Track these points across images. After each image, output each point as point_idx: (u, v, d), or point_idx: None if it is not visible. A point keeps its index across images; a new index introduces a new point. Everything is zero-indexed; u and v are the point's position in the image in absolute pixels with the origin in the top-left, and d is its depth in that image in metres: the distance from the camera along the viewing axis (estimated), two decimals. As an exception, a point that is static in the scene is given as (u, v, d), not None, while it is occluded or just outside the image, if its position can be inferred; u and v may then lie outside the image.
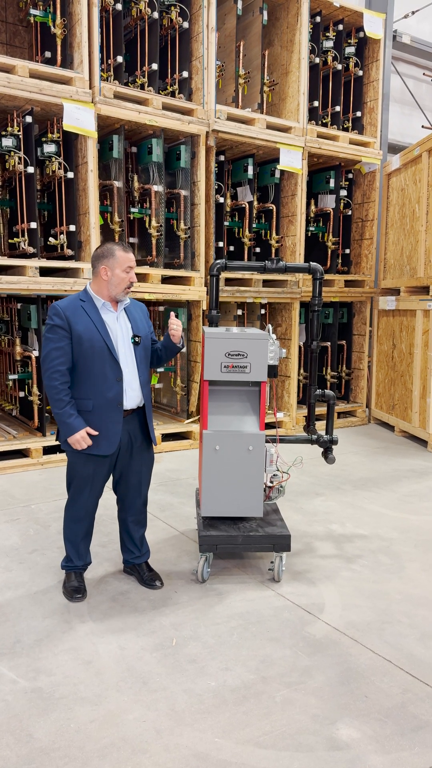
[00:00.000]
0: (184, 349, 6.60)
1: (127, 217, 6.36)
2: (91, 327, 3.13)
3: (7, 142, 5.51)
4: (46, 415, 5.91)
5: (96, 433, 3.13)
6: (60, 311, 3.13)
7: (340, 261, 7.80)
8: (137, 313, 3.35)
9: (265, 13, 6.72)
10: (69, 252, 5.83)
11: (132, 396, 3.23)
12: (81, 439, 3.09)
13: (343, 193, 7.75)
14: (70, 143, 5.75)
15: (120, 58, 5.95)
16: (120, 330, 3.23)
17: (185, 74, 6.30)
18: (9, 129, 5.53)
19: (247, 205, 6.89)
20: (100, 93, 5.59)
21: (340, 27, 7.29)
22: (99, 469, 3.26)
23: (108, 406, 3.15)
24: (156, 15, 6.08)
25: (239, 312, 7.15)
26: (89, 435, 3.13)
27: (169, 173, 6.57)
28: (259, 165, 7.22)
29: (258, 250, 7.36)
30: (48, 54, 5.79)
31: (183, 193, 6.42)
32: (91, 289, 3.24)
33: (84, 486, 3.28)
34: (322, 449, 4.23)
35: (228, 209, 6.99)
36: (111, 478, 3.43)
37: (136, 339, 3.23)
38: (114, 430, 3.17)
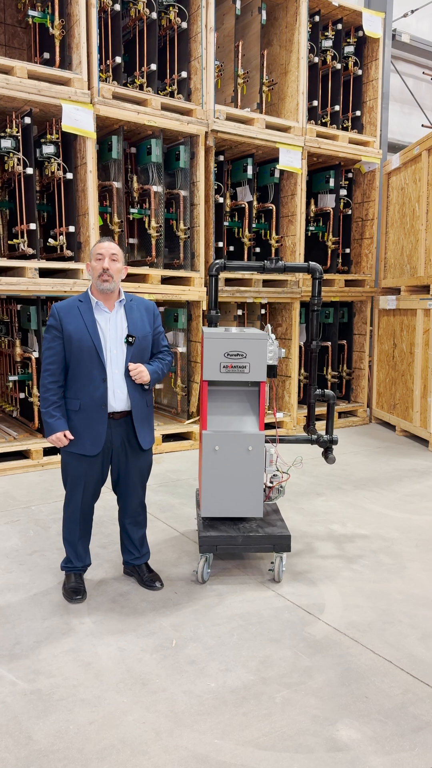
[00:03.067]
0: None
1: (126, 217, 6.35)
2: (81, 327, 3.16)
3: (6, 143, 5.51)
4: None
5: (72, 437, 3.19)
6: (55, 312, 3.21)
7: (340, 260, 7.79)
8: (139, 312, 3.30)
9: (263, 12, 6.71)
10: (68, 253, 5.83)
11: (120, 397, 3.21)
12: (57, 439, 3.19)
13: (343, 192, 7.74)
14: (69, 144, 5.75)
15: (119, 59, 5.95)
16: (113, 330, 3.21)
17: (184, 74, 6.30)
18: (8, 130, 5.53)
19: (246, 205, 6.88)
20: (99, 94, 5.59)
21: (339, 26, 7.28)
22: (91, 469, 3.26)
23: (94, 407, 3.16)
24: (154, 15, 6.07)
25: (239, 312, 7.15)
26: (74, 435, 3.21)
27: (169, 174, 6.57)
28: (259, 165, 7.21)
29: (258, 250, 7.36)
30: (47, 55, 5.79)
31: (182, 193, 6.42)
32: (89, 289, 3.28)
33: (76, 485, 3.29)
34: (322, 449, 4.22)
35: (227, 209, 6.99)
36: (110, 478, 3.43)
37: (129, 339, 3.19)
38: (99, 431, 3.17)
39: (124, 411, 3.24)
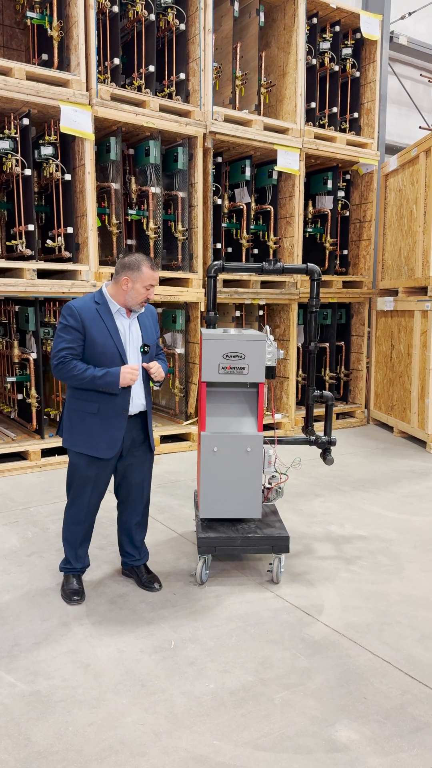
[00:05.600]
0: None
1: (124, 218, 6.35)
2: (105, 332, 3.12)
3: (5, 144, 5.51)
4: (45, 417, 5.90)
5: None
6: (75, 312, 3.10)
7: (338, 262, 7.79)
8: (147, 319, 3.34)
9: (261, 14, 6.72)
10: (67, 254, 5.83)
11: (137, 403, 3.26)
12: (128, 373, 3.06)
13: (341, 194, 7.75)
14: (67, 145, 5.75)
15: (117, 60, 5.95)
16: (131, 337, 3.23)
17: (182, 76, 6.31)
18: (6, 131, 5.53)
19: (244, 206, 6.89)
20: (97, 95, 5.59)
21: (337, 28, 7.29)
22: (102, 470, 3.26)
23: (113, 412, 3.17)
24: (153, 17, 6.08)
25: (237, 313, 7.15)
26: (89, 438, 3.16)
27: (167, 175, 6.58)
28: (257, 166, 7.22)
29: (256, 251, 7.36)
30: (45, 56, 5.79)
31: (180, 194, 6.42)
32: (107, 292, 3.20)
33: (85, 487, 3.28)
34: (320, 450, 4.22)
35: (226, 211, 6.99)
36: (113, 480, 3.43)
37: (145, 348, 3.21)
38: (116, 436, 3.18)
39: (135, 413, 3.28)
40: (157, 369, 3.25)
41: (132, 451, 3.32)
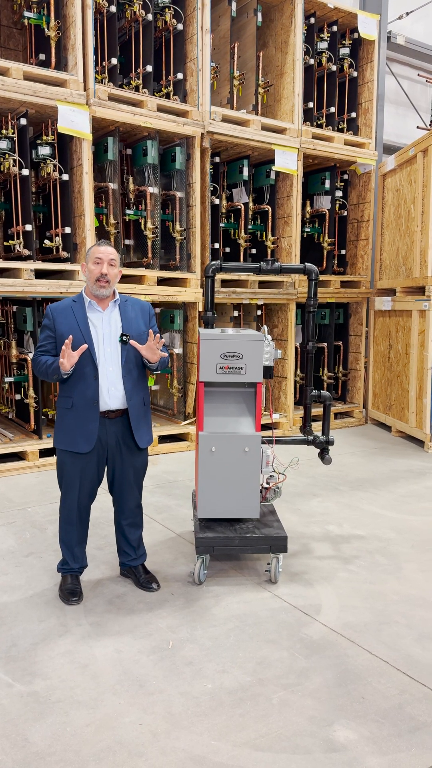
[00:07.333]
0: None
1: (122, 219, 6.35)
2: (74, 326, 3.18)
3: (2, 144, 5.50)
4: (43, 417, 5.90)
5: (69, 343, 3.05)
6: (50, 312, 3.25)
7: (336, 262, 7.79)
8: (134, 311, 3.32)
9: (259, 14, 6.72)
10: (64, 254, 5.83)
11: (115, 395, 3.21)
12: (64, 360, 3.02)
13: (339, 194, 7.75)
14: (65, 145, 5.75)
15: (114, 60, 5.95)
16: (107, 328, 3.22)
17: (180, 76, 6.30)
18: (3, 131, 5.53)
19: (242, 206, 6.89)
20: (95, 95, 5.59)
21: (335, 28, 7.30)
22: (86, 468, 3.26)
23: (85, 405, 3.17)
24: (150, 17, 6.08)
25: (235, 313, 7.15)
26: (67, 433, 3.21)
27: (165, 175, 6.57)
28: (255, 166, 7.22)
29: (254, 251, 7.36)
30: (42, 56, 5.78)
31: (178, 194, 6.42)
32: (83, 290, 3.31)
33: (72, 485, 3.29)
34: (318, 450, 4.22)
35: (223, 211, 6.99)
36: (106, 479, 3.43)
37: (124, 338, 3.19)
38: (90, 429, 3.17)
39: (119, 409, 3.24)
40: (149, 346, 3.14)
41: (119, 451, 3.29)
